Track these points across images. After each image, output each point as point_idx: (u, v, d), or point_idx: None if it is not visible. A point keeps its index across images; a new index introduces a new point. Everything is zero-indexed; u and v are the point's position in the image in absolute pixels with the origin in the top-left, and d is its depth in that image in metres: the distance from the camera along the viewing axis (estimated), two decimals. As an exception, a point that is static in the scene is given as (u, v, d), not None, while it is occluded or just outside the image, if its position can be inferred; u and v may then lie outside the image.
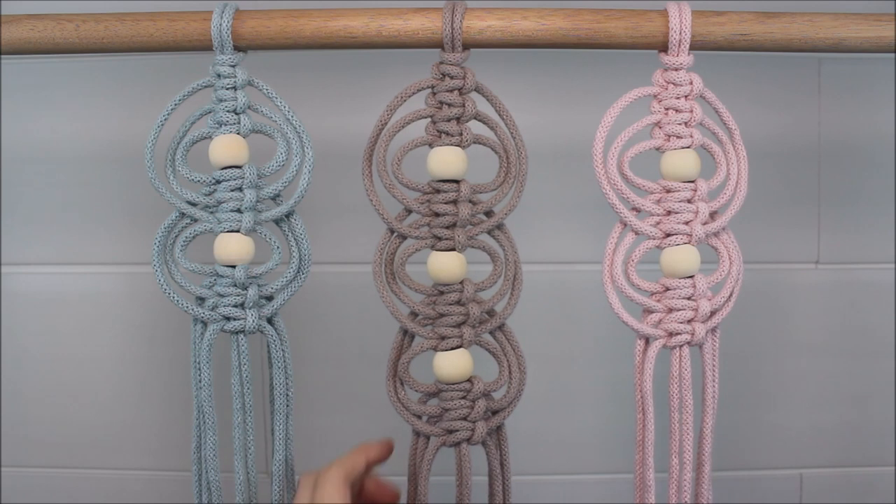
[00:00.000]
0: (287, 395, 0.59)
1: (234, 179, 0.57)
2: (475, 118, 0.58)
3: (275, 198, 0.58)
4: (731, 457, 0.80)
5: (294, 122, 0.58)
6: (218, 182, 0.57)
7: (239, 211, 0.57)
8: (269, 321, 0.58)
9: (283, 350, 0.59)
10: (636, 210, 0.57)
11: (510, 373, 0.59)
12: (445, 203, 0.57)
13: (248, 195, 0.56)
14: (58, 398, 0.81)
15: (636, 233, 0.57)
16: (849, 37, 0.56)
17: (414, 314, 0.59)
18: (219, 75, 0.57)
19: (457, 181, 0.57)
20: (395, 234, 0.59)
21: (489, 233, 0.59)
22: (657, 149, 0.57)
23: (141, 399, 0.81)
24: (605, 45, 0.56)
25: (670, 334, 0.56)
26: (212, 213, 0.57)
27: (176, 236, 0.57)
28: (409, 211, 0.58)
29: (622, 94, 0.57)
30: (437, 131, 0.57)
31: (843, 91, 0.77)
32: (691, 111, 0.56)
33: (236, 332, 0.57)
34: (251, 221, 0.57)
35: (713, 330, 0.58)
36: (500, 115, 0.58)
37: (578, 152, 0.72)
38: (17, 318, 0.80)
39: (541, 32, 0.56)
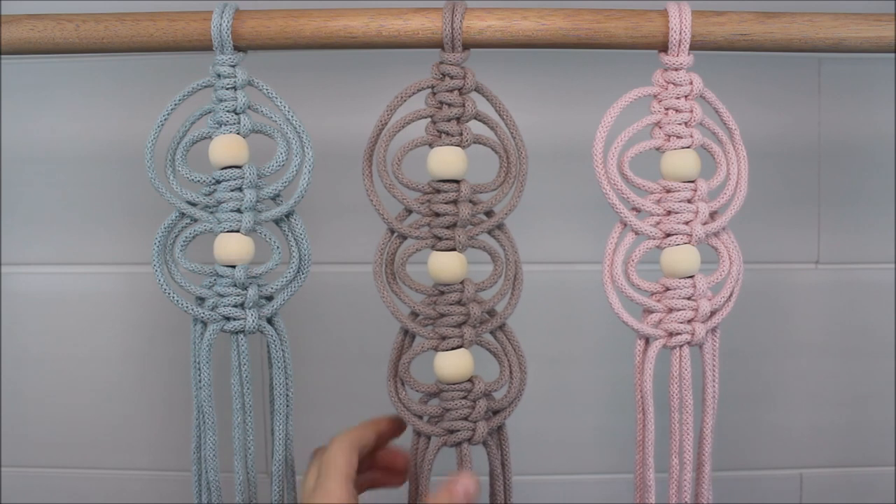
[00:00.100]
0: (287, 395, 0.59)
1: (234, 179, 0.56)
2: (475, 118, 0.58)
3: (275, 198, 0.58)
4: (731, 457, 0.80)
5: (294, 122, 0.58)
6: (218, 182, 0.57)
7: (239, 211, 0.57)
8: (269, 321, 0.58)
9: (282, 350, 0.59)
10: (636, 210, 0.57)
11: (511, 373, 0.59)
12: (446, 203, 0.57)
13: (248, 195, 0.56)
14: (58, 398, 0.81)
15: (636, 233, 0.57)
16: (849, 37, 0.56)
17: (414, 314, 0.59)
18: (219, 75, 0.57)
19: (457, 181, 0.57)
20: (396, 234, 0.59)
21: (489, 233, 0.59)
22: (657, 149, 0.57)
23: (141, 399, 0.81)
24: (605, 45, 0.56)
25: (670, 334, 0.56)
26: (212, 213, 0.57)
27: (176, 236, 0.57)
28: (409, 211, 0.58)
29: (622, 94, 0.56)
30: (438, 131, 0.57)
31: (843, 91, 0.77)
32: (691, 111, 0.56)
33: (236, 332, 0.57)
34: (251, 221, 0.57)
35: (713, 330, 0.58)
36: (500, 115, 0.58)
37: (578, 152, 0.72)
38: (17, 318, 0.80)
39: (541, 32, 0.56)
